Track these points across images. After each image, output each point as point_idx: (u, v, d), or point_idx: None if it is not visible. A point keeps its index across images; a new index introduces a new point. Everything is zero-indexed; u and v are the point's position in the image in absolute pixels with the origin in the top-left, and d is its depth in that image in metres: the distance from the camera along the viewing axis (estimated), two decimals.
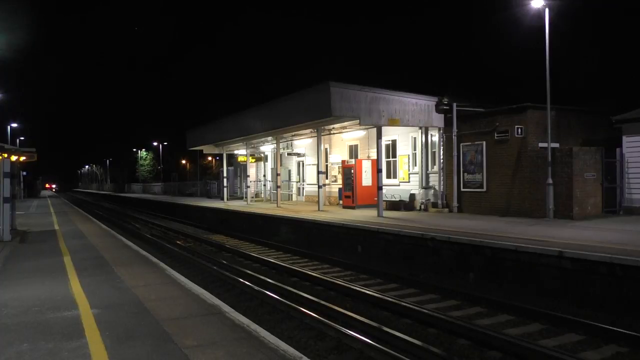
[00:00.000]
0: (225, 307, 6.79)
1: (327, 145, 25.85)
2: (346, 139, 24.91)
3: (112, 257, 11.24)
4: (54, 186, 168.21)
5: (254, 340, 5.37)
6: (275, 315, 8.70)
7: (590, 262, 8.92)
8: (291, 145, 28.91)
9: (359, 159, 22.45)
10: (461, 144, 18.85)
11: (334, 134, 24.56)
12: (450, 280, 11.16)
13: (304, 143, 27.85)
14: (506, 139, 17.15)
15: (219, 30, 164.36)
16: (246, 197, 30.69)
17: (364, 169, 21.94)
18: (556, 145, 16.52)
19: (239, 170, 38.71)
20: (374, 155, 21.19)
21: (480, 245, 11.00)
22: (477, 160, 18.21)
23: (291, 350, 5.11)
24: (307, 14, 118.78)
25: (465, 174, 18.71)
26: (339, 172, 24.82)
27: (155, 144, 79.25)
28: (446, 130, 19.41)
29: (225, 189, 32.31)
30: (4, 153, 15.50)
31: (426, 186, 20.04)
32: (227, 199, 31.83)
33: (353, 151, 24.75)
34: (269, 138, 27.04)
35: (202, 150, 36.92)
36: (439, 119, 19.42)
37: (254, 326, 5.92)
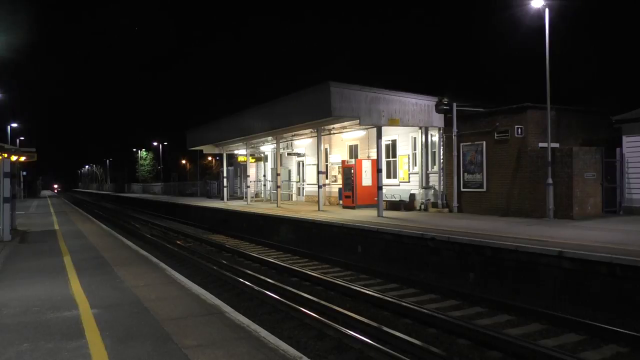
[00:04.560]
0: (225, 307, 6.79)
1: (327, 145, 25.85)
2: (346, 139, 24.90)
3: (112, 257, 11.24)
4: (55, 186, 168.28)
5: (254, 341, 5.37)
6: (275, 315, 8.70)
7: (590, 262, 8.92)
8: (291, 145, 28.90)
9: (359, 159, 22.45)
10: (461, 144, 18.85)
11: (334, 134, 24.55)
12: (450, 280, 11.16)
13: (304, 143, 27.84)
14: (506, 139, 17.15)
15: (219, 31, 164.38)
16: (246, 197, 30.68)
17: (364, 169, 21.94)
18: (556, 145, 16.52)
19: (239, 170, 38.70)
20: (374, 155, 21.18)
21: (481, 245, 11.00)
22: (477, 160, 18.20)
23: (291, 350, 5.11)
24: (307, 14, 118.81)
25: (465, 174, 18.70)
26: (339, 172, 24.82)
27: (155, 144, 79.29)
28: (446, 130, 19.41)
29: (225, 189, 32.30)
30: (4, 153, 15.49)
31: (426, 186, 20.03)
32: (227, 199, 31.82)
33: (353, 151, 24.74)
34: (269, 138, 27.04)
35: (202, 150, 36.91)
36: (439, 119, 19.42)
37: (254, 326, 5.92)
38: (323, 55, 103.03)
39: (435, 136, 20.01)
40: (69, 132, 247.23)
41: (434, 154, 20.14)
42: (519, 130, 16.75)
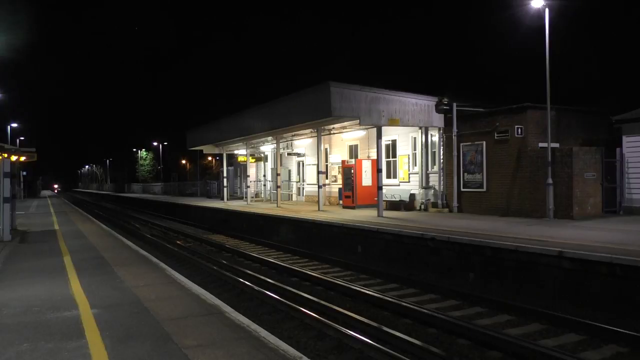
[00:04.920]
0: (225, 307, 6.79)
1: (327, 145, 25.85)
2: (346, 139, 24.90)
3: (112, 257, 11.24)
4: (55, 186, 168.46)
5: (254, 341, 5.37)
6: (275, 315, 8.70)
7: (590, 262, 8.92)
8: (291, 145, 28.90)
9: (359, 159, 22.45)
10: (461, 144, 18.84)
11: (334, 134, 24.56)
12: (450, 280, 11.16)
13: (304, 143, 27.84)
14: (506, 139, 17.14)
15: (219, 31, 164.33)
16: (246, 197, 30.68)
17: (364, 169, 21.94)
18: (556, 145, 16.52)
19: (239, 170, 38.71)
20: (374, 155, 21.18)
21: (481, 245, 11.00)
22: (477, 160, 18.20)
23: (291, 350, 5.11)
24: (307, 15, 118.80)
25: (465, 174, 18.70)
26: (339, 172, 24.82)
27: (155, 144, 79.31)
28: (446, 130, 19.41)
29: (225, 189, 32.30)
30: (4, 153, 15.50)
31: (426, 186, 20.03)
32: (227, 199, 31.82)
33: (353, 151, 24.74)
34: (269, 138, 27.04)
35: (202, 150, 36.92)
36: (439, 119, 19.42)
37: (254, 326, 5.92)
38: (323, 55, 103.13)
39: (435, 136, 20.01)
40: (69, 132, 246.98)
41: (434, 154, 20.13)
42: (519, 130, 16.75)
